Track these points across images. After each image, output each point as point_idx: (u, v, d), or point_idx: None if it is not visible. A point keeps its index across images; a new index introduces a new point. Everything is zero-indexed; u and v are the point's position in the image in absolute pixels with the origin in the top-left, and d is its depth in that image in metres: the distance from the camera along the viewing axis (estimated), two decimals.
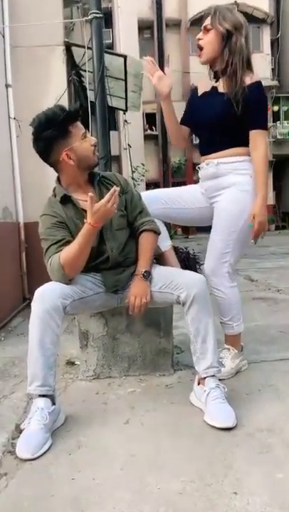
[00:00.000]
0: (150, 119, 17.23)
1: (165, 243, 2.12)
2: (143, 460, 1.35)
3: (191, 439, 1.47)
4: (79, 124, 1.73)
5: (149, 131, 17.87)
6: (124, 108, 5.92)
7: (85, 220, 1.57)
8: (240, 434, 1.48)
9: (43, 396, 1.54)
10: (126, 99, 5.27)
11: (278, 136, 17.82)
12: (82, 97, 5.02)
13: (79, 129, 1.71)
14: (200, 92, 2.04)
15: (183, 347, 2.35)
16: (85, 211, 1.72)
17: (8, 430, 1.59)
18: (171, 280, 1.74)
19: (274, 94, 17.55)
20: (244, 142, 1.91)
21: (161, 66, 1.99)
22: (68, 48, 3.86)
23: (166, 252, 2.13)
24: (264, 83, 2.03)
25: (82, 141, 1.71)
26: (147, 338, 2.06)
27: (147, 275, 1.76)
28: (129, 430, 1.55)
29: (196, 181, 2.09)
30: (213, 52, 1.90)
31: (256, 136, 1.88)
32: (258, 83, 1.88)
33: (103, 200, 1.52)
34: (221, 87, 1.92)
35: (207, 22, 1.88)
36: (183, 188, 2.19)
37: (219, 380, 1.70)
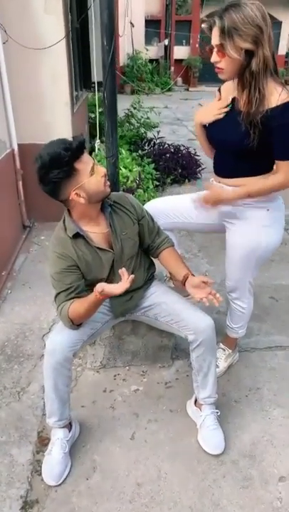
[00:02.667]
0: None
1: None
2: (147, 491, 1.68)
3: (186, 463, 1.78)
4: (85, 157, 1.56)
5: None
6: None
7: (95, 290, 1.53)
8: (227, 461, 1.80)
9: (62, 427, 1.79)
10: None
11: None
12: None
13: (86, 163, 1.56)
14: (222, 97, 1.75)
15: None
16: (98, 248, 1.70)
17: (32, 441, 1.88)
18: (180, 318, 1.82)
19: None
20: (263, 170, 1.73)
21: None
22: None
23: None
24: None
25: (91, 177, 1.57)
26: (150, 338, 2.23)
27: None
28: (135, 451, 1.85)
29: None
30: (236, 72, 1.58)
31: (281, 166, 1.67)
32: (287, 104, 1.56)
33: (120, 288, 1.49)
34: (241, 102, 1.64)
35: (216, 41, 1.51)
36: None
37: None
